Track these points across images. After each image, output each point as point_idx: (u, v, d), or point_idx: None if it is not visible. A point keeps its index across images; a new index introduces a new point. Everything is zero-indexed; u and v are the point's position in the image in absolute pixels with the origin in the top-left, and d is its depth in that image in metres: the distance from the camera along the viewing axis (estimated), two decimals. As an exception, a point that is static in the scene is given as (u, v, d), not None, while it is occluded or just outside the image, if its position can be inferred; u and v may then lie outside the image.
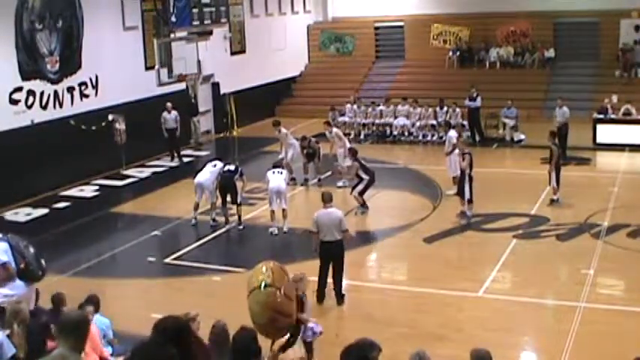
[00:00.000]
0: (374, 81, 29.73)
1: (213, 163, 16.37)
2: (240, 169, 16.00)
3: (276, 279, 4.27)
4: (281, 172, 15.76)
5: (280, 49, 29.33)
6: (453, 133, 18.09)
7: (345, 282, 11.88)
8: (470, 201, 15.63)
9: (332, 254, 11.65)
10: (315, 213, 11.75)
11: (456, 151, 17.24)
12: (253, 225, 16.10)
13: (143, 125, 21.09)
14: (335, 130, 19.73)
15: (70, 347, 4.54)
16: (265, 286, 4.22)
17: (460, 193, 15.79)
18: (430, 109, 24.08)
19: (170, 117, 21.93)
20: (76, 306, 8.79)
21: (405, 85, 28.38)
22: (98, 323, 8.82)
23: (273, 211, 15.28)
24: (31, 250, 7.94)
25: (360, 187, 16.45)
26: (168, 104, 21.82)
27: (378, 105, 25.19)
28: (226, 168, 15.95)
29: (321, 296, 11.74)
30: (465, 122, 23.53)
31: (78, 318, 4.82)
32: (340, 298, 11.78)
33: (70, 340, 4.56)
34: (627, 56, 26.26)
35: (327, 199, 11.83)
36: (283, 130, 19.42)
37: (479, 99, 23.18)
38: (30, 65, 18.60)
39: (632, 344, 9.50)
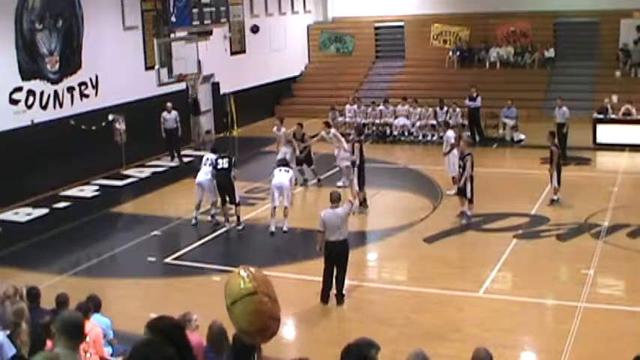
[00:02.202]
0: (374, 81, 29.73)
1: (206, 158, 16.27)
2: (232, 159, 15.79)
3: (260, 284, 4.20)
4: (287, 171, 15.77)
5: (280, 49, 29.34)
6: (450, 133, 18.13)
7: (345, 282, 11.87)
8: (470, 201, 15.64)
9: (337, 254, 11.60)
10: (322, 212, 11.71)
11: (454, 151, 17.27)
12: (253, 225, 16.10)
13: (143, 125, 21.09)
14: (333, 130, 19.60)
15: (67, 346, 4.55)
16: (253, 293, 4.13)
17: (461, 192, 15.80)
18: (430, 109, 24.09)
19: (170, 117, 21.93)
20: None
21: (405, 85, 28.38)
22: (98, 323, 8.80)
23: (274, 208, 15.25)
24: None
25: (355, 180, 16.37)
26: (169, 104, 21.82)
27: (378, 105, 25.19)
28: (220, 166, 15.65)
29: (325, 297, 11.70)
30: (466, 122, 23.55)
31: (74, 318, 4.84)
32: (340, 297, 11.75)
33: (66, 340, 4.57)
34: None
35: (334, 199, 11.77)
36: (282, 129, 19.39)
37: (479, 99, 23.18)
38: (30, 65, 18.59)
39: (632, 344, 9.49)
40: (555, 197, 16.37)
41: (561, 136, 19.43)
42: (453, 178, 17.24)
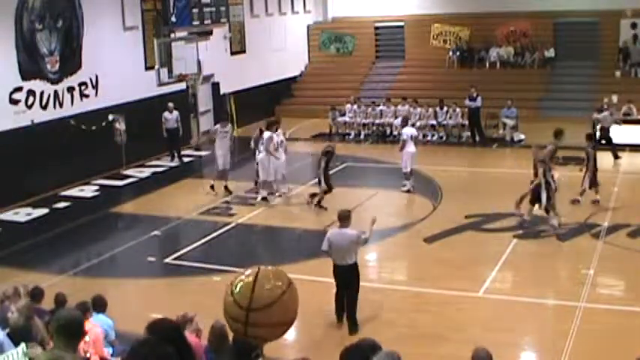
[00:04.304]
0: (374, 81, 29.73)
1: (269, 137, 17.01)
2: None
3: (237, 283, 4.22)
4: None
5: (280, 49, 29.33)
6: (407, 130, 18.41)
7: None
8: (547, 210, 14.78)
9: (344, 280, 10.73)
10: (329, 231, 11.01)
11: (412, 148, 17.76)
12: (253, 225, 16.11)
13: (143, 125, 21.09)
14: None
15: (65, 346, 4.54)
16: (230, 284, 4.21)
17: (540, 201, 14.85)
18: (430, 109, 24.11)
19: (171, 117, 21.91)
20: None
21: (405, 85, 28.38)
22: (101, 324, 8.80)
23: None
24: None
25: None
26: (170, 104, 21.79)
27: (378, 105, 25.20)
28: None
29: (338, 318, 10.98)
30: (466, 122, 23.57)
31: (72, 317, 4.82)
32: (352, 325, 10.75)
33: (63, 339, 4.56)
34: None
35: (342, 218, 10.69)
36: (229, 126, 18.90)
37: (479, 99, 23.18)
38: (30, 65, 18.59)
39: (632, 344, 9.50)
40: (580, 198, 16.20)
41: (608, 138, 20.52)
42: (405, 173, 17.78)
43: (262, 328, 4.13)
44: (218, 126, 18.66)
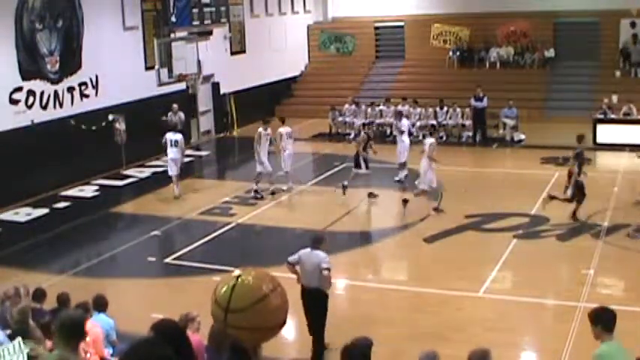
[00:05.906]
0: (374, 81, 29.74)
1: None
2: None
3: (221, 282, 4.20)
4: None
5: (280, 49, 29.33)
6: (405, 121, 19.31)
7: (344, 282, 11.72)
8: None
9: (309, 304, 9.97)
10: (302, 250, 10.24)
11: (406, 140, 18.48)
12: (253, 225, 16.11)
13: (143, 125, 21.07)
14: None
15: (65, 346, 4.55)
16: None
17: None
18: (430, 109, 24.11)
19: (175, 118, 21.77)
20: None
21: (405, 85, 28.38)
22: (102, 324, 8.80)
23: None
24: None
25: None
26: (174, 105, 21.57)
27: (378, 105, 25.20)
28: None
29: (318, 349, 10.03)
30: (466, 122, 23.55)
31: (74, 318, 4.84)
32: (317, 354, 9.84)
33: (67, 340, 4.56)
34: None
35: (314, 241, 10.10)
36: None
37: (485, 99, 23.13)
38: (30, 65, 18.59)
39: (632, 344, 9.48)
40: None
41: None
42: (399, 164, 18.55)
43: (241, 331, 4.05)
44: (261, 129, 17.98)
